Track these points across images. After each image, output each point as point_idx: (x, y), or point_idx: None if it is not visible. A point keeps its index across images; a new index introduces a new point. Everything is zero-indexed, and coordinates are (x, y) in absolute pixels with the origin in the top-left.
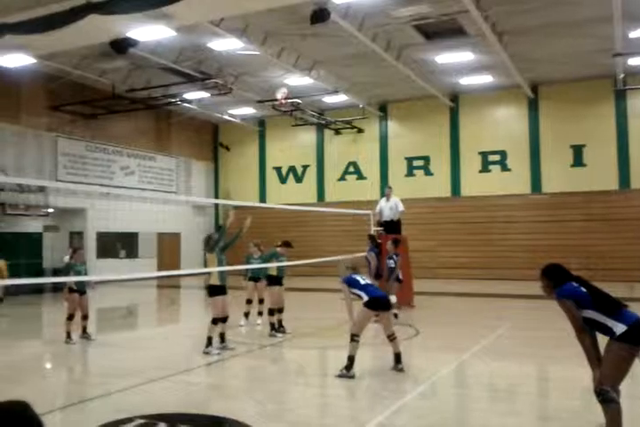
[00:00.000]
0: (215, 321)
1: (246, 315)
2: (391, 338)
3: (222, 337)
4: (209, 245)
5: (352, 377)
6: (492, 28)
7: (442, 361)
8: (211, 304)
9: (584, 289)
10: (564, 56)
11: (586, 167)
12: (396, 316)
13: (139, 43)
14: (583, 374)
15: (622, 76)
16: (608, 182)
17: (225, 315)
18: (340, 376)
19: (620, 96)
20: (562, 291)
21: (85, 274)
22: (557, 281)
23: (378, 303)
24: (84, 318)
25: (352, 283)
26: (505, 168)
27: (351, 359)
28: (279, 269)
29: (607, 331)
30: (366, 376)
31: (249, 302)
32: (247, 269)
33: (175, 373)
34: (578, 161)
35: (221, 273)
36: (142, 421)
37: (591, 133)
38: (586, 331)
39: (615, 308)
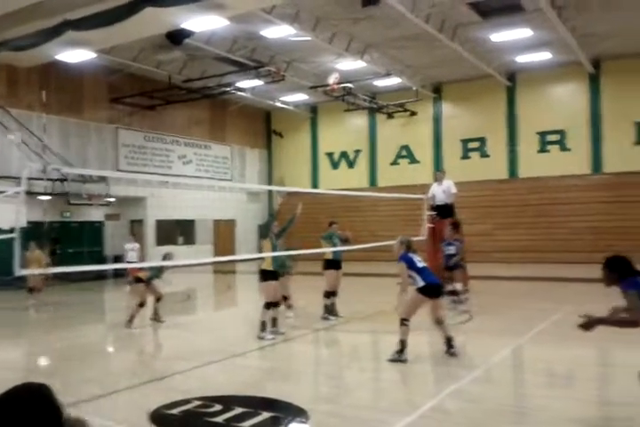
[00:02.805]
0: (268, 306)
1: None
2: (439, 322)
3: (274, 322)
4: (264, 231)
5: (404, 361)
6: (552, 2)
7: (497, 346)
8: (263, 289)
9: None
10: (628, 30)
11: None
12: (459, 301)
13: (193, 33)
14: None
15: None
16: None
17: (277, 299)
18: (393, 360)
19: None
20: (631, 284)
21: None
22: (622, 273)
23: (432, 290)
24: (158, 300)
25: (409, 262)
26: (564, 148)
27: (403, 343)
28: (335, 252)
29: None
30: (419, 361)
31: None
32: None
33: (230, 356)
34: None
35: (275, 259)
36: (199, 402)
37: None
38: None
39: None
